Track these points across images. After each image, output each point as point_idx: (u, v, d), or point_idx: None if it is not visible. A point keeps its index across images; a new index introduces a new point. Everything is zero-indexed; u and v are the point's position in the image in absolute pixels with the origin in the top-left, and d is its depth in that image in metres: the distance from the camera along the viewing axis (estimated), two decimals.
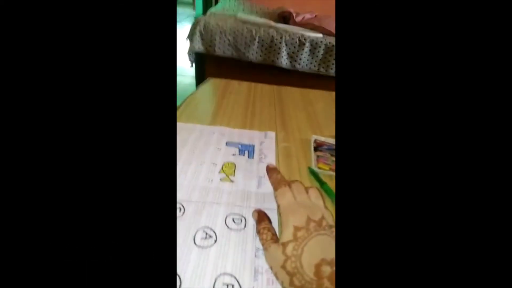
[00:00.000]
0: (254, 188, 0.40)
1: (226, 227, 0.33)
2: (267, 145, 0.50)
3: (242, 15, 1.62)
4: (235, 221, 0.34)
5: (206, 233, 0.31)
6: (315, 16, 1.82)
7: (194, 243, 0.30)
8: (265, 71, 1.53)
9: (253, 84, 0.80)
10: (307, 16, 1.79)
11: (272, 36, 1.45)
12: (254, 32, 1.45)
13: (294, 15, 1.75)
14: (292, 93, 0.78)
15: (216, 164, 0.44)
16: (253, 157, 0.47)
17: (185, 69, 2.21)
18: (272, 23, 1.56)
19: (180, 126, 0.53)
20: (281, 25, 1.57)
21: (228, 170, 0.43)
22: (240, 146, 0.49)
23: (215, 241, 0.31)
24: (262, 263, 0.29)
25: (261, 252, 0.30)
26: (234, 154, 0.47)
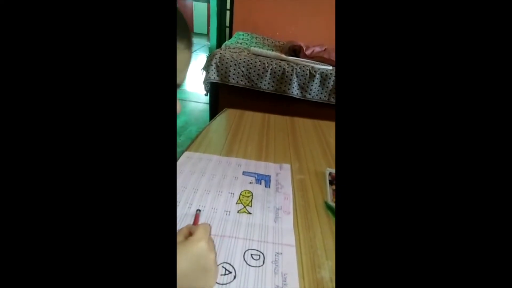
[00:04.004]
0: (271, 222, 0.40)
1: (245, 263, 0.32)
2: (283, 176, 0.51)
3: (254, 49, 1.72)
4: (254, 257, 0.33)
5: (226, 269, 0.31)
6: (325, 49, 1.91)
7: None
8: (277, 99, 1.58)
9: (266, 115, 0.82)
10: (317, 49, 1.88)
11: (284, 68, 1.52)
12: (266, 64, 1.53)
13: (304, 48, 1.84)
14: (305, 124, 0.80)
15: (233, 194, 0.45)
16: (269, 187, 0.47)
17: (200, 96, 2.31)
18: (283, 56, 1.64)
19: (198, 156, 0.55)
20: (292, 58, 1.65)
21: (246, 200, 0.44)
22: (256, 175, 0.50)
23: (235, 277, 0.30)
24: None
25: None
26: (251, 183, 0.48)
